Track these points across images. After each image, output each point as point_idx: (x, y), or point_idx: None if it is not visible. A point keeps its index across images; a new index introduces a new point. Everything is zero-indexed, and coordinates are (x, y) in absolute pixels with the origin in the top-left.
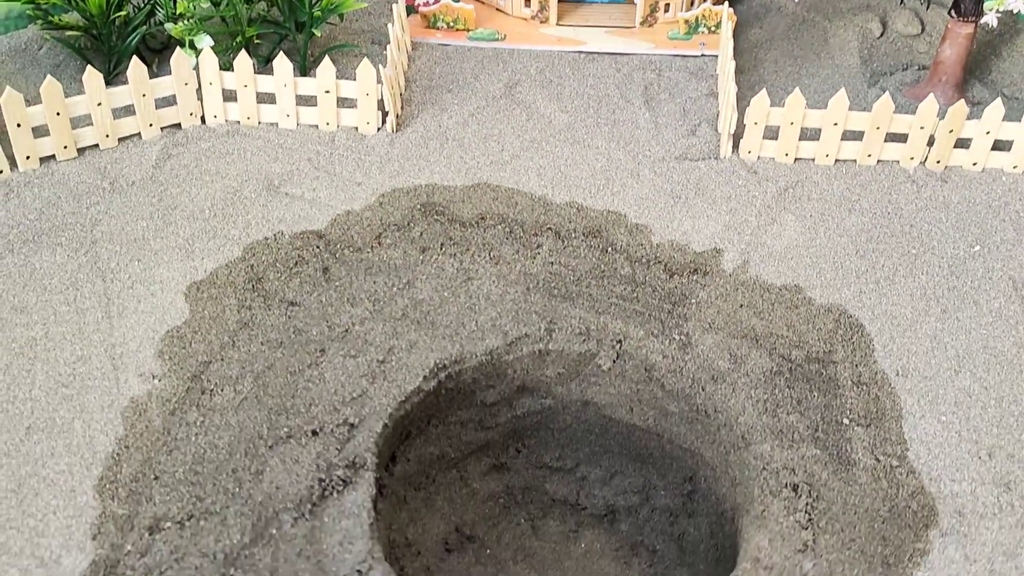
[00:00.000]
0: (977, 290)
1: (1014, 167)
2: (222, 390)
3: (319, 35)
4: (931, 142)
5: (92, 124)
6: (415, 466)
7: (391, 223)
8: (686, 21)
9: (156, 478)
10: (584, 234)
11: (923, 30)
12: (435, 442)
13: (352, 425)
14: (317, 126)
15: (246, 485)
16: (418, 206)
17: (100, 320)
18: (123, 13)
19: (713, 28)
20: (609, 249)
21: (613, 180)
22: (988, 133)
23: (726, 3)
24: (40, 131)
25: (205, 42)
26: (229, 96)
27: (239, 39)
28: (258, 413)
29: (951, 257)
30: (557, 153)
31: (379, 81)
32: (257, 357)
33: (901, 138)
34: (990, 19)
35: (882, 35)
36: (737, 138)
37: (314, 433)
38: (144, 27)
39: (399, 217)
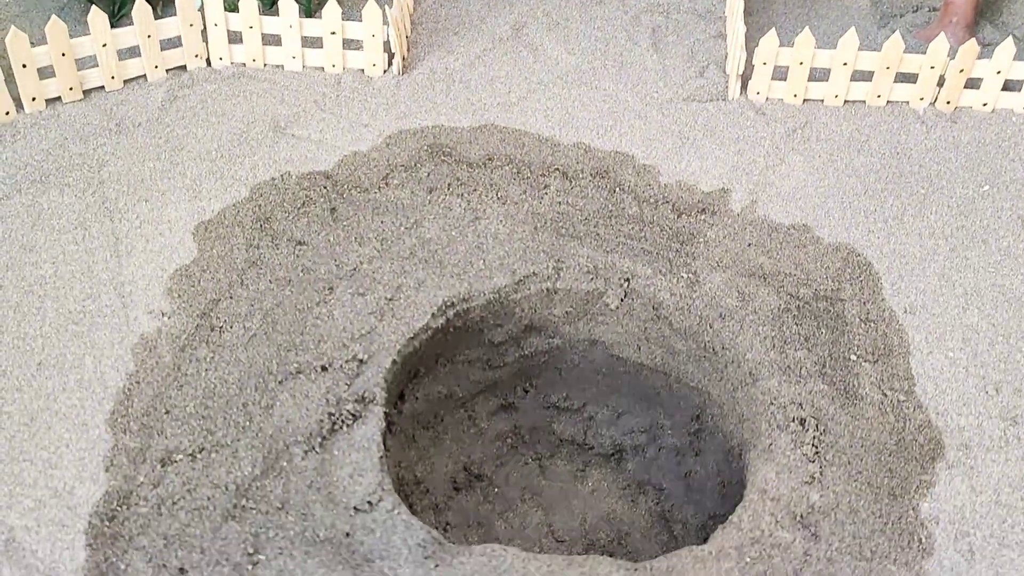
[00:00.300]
0: (986, 229)
1: None
2: (231, 327)
3: None
4: (941, 82)
5: (97, 66)
6: (423, 405)
7: (398, 164)
8: None
9: (167, 412)
10: (592, 175)
11: None
12: (443, 381)
13: (361, 361)
14: (323, 68)
15: (256, 419)
16: (425, 147)
17: (109, 259)
18: None
19: None
20: (617, 189)
21: (621, 121)
22: (999, 73)
23: None
24: (45, 72)
25: None
26: (234, 38)
27: None
28: (267, 349)
29: (960, 197)
30: (564, 95)
31: (385, 22)
32: (266, 295)
33: (911, 78)
34: None
35: None
36: (745, 79)
37: (323, 369)
38: None
39: (406, 158)
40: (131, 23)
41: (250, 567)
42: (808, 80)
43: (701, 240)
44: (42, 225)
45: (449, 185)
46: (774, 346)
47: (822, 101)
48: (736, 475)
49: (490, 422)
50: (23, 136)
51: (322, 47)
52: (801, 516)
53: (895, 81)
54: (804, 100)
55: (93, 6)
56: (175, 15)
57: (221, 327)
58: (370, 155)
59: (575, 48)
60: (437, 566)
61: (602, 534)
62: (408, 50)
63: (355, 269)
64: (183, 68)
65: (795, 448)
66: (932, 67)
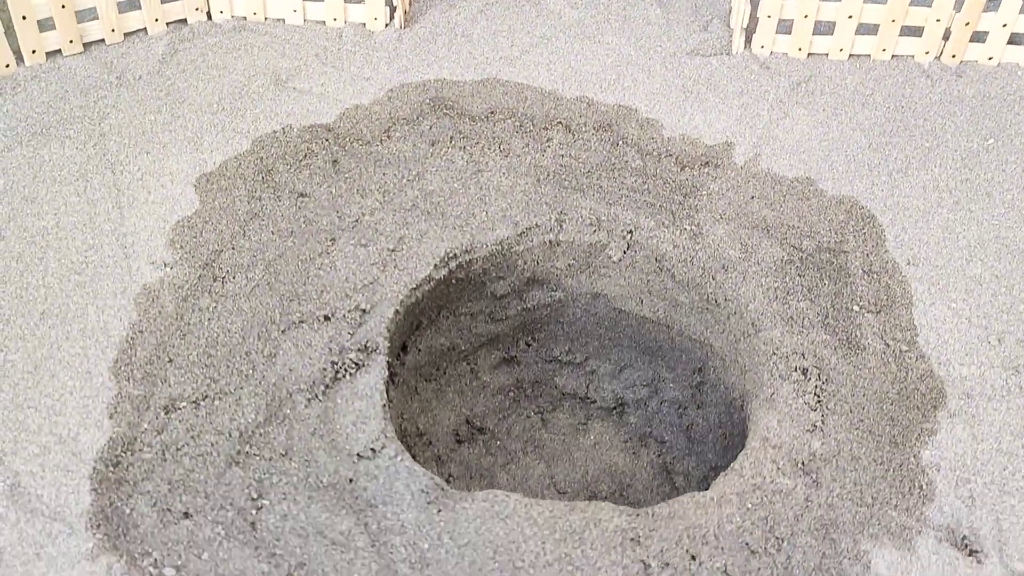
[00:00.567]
0: (990, 182)
1: None
2: (234, 277)
3: None
4: (947, 36)
5: (97, 18)
6: (426, 357)
7: (400, 117)
8: None
9: (170, 361)
10: (595, 128)
11: None
12: (446, 333)
13: (364, 311)
14: (324, 22)
15: (259, 368)
16: (427, 101)
17: (110, 210)
18: None
19: None
20: (620, 143)
21: (624, 75)
22: (1005, 26)
23: None
24: (45, 25)
25: None
26: None
27: None
28: (270, 299)
29: (964, 150)
30: (567, 49)
31: None
32: (268, 246)
33: (916, 32)
34: None
35: None
36: (750, 33)
37: (326, 318)
38: None
39: (408, 111)
40: None
41: (254, 512)
42: (813, 34)
43: (704, 193)
44: (43, 177)
45: (451, 138)
46: (777, 297)
47: (827, 55)
48: (738, 427)
49: (492, 375)
50: (23, 89)
51: (323, 0)
52: (803, 463)
53: (900, 35)
54: (809, 54)
55: None
56: None
57: (224, 277)
58: (372, 108)
59: (578, 2)
60: (440, 511)
61: (604, 486)
62: (410, 4)
63: (357, 220)
64: (183, 22)
65: (797, 397)
66: (938, 20)
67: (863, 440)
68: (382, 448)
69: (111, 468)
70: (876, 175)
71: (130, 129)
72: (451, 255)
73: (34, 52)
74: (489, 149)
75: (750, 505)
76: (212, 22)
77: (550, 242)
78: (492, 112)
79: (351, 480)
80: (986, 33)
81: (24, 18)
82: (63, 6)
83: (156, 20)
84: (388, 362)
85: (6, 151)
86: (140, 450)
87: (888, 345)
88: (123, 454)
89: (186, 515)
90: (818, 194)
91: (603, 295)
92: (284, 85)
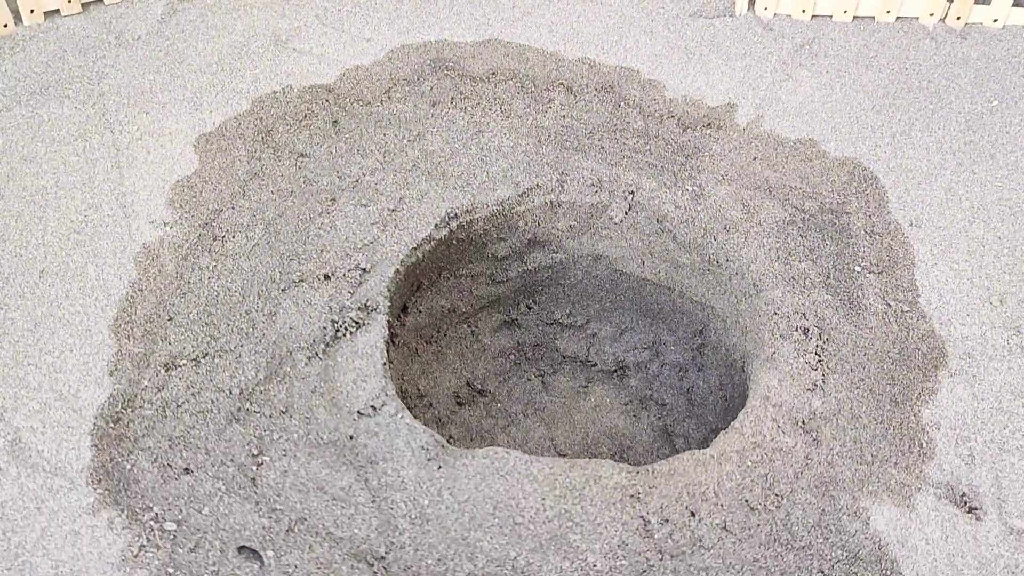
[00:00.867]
0: (994, 144)
1: None
2: (234, 236)
3: None
4: None
5: None
6: (426, 318)
7: (401, 78)
8: None
9: (170, 319)
10: (596, 89)
11: None
12: (446, 295)
13: (364, 270)
14: None
15: (259, 326)
16: (428, 61)
17: (110, 170)
18: None
19: None
20: (622, 104)
21: (626, 37)
22: None
23: None
24: None
25: None
26: None
27: None
28: (270, 258)
29: (968, 112)
30: (569, 10)
31: None
32: (268, 205)
33: None
34: None
35: None
36: None
37: (326, 277)
38: None
39: (409, 72)
40: None
41: (255, 468)
42: None
43: (706, 154)
44: (42, 136)
45: (452, 99)
46: (778, 258)
47: (831, 17)
48: (738, 389)
49: (493, 338)
50: (22, 48)
51: None
52: (803, 422)
53: None
54: (812, 16)
55: None
56: None
57: (223, 237)
58: (372, 69)
59: None
60: (440, 468)
61: (604, 448)
62: None
63: (358, 181)
64: None
65: (798, 356)
66: None
67: (863, 399)
68: (382, 406)
69: (112, 424)
70: (879, 136)
71: (129, 89)
72: (452, 215)
73: (32, 12)
74: (490, 110)
75: (750, 463)
76: None
77: (551, 203)
78: (493, 73)
79: (351, 437)
80: None
81: None
82: None
83: None
84: (388, 322)
85: (5, 111)
86: (140, 407)
87: (889, 305)
88: (123, 411)
89: (187, 471)
90: (821, 155)
91: (604, 257)
92: (284, 46)
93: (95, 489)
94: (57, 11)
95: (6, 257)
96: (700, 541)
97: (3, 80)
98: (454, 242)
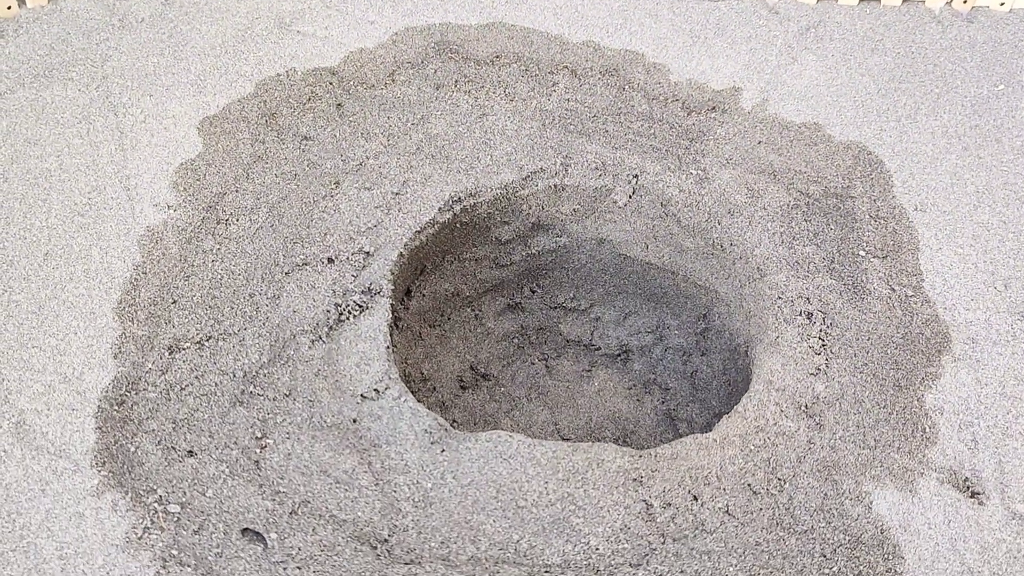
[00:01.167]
0: (1000, 128)
1: None
2: (237, 220)
3: None
4: None
5: None
6: (430, 302)
7: (405, 61)
8: None
9: (174, 302)
10: (601, 72)
11: None
12: (450, 279)
13: (368, 253)
14: None
15: (263, 309)
16: (432, 44)
17: (113, 152)
18: None
19: None
20: (626, 87)
21: (631, 20)
22: None
23: None
24: None
25: None
26: None
27: None
28: (274, 241)
29: (974, 96)
30: None
31: None
32: (272, 189)
33: None
34: None
35: None
36: None
37: (330, 261)
38: None
39: (413, 55)
40: None
41: (258, 450)
42: None
43: (711, 138)
44: (46, 119)
45: (456, 82)
46: (783, 242)
47: (836, 0)
48: (742, 374)
49: (497, 322)
50: (25, 31)
51: None
52: (806, 406)
53: None
54: None
55: None
56: None
57: (227, 220)
58: (376, 52)
59: None
60: (443, 451)
61: (607, 433)
62: None
63: (361, 164)
64: None
65: (801, 341)
66: None
67: (867, 383)
68: (386, 389)
69: (116, 407)
70: (884, 121)
71: (133, 71)
72: (455, 199)
73: None
74: (494, 93)
75: (753, 447)
76: None
77: (555, 186)
78: (498, 56)
79: (355, 420)
80: None
81: None
82: None
83: None
84: (392, 306)
85: (8, 93)
86: (144, 389)
87: (894, 290)
88: (127, 393)
89: (190, 453)
90: (826, 139)
91: (608, 241)
92: (287, 28)
93: (99, 471)
94: None
95: (10, 240)
96: (702, 525)
97: (6, 62)
98: (458, 225)
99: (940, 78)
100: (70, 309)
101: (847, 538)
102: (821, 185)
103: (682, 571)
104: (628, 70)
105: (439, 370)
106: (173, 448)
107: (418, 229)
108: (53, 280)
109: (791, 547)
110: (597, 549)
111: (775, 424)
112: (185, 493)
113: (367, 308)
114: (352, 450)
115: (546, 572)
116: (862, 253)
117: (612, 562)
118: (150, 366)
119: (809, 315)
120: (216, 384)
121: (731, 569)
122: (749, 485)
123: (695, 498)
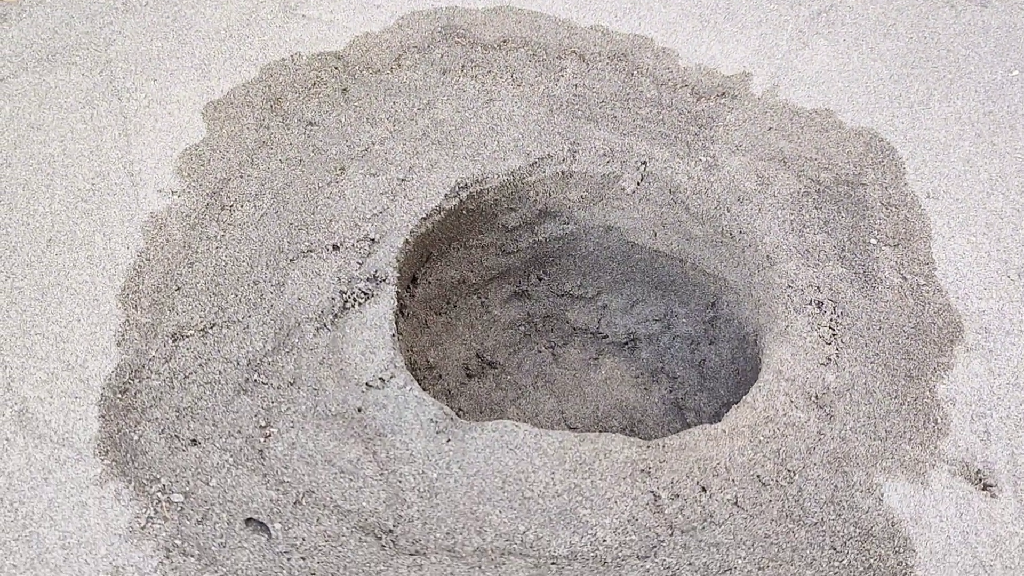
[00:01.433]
0: (1013, 115)
1: None
2: (242, 206)
3: None
4: None
5: None
6: (436, 290)
7: (411, 45)
8: None
9: (178, 289)
10: (609, 58)
11: None
12: (456, 266)
13: (373, 240)
14: None
15: (268, 296)
16: (439, 28)
17: (117, 138)
18: None
19: None
20: (635, 72)
21: (639, 4)
22: None
23: None
24: None
25: None
26: None
27: None
28: (278, 228)
29: (988, 82)
30: None
31: None
32: (276, 174)
33: None
34: None
35: None
36: None
37: (335, 247)
38: None
39: (419, 39)
40: None
41: (262, 439)
42: None
43: (720, 124)
44: (49, 104)
45: (463, 67)
46: (793, 230)
47: None
48: (751, 363)
49: (503, 309)
50: (28, 15)
51: None
52: (816, 396)
53: None
54: None
55: None
56: None
57: (231, 206)
58: (382, 36)
59: None
60: (449, 441)
61: (615, 422)
62: None
63: (367, 150)
64: None
65: (811, 330)
66: None
67: (878, 374)
68: (391, 378)
69: (119, 395)
70: (896, 107)
71: (137, 56)
72: (462, 185)
73: None
74: (501, 78)
75: (762, 438)
76: None
77: (562, 173)
78: (505, 40)
79: (360, 409)
80: None
81: None
82: None
83: None
84: (397, 293)
85: (11, 78)
86: (148, 377)
87: (905, 279)
88: (131, 381)
89: (194, 442)
90: (837, 126)
91: (616, 228)
92: (292, 12)
93: (102, 460)
94: None
95: (13, 226)
96: (711, 516)
97: (9, 47)
98: (464, 212)
99: (953, 63)
100: (73, 296)
101: (857, 531)
102: (832, 172)
103: (690, 563)
104: (637, 55)
105: (445, 358)
106: (177, 437)
107: (424, 216)
108: (56, 267)
109: (801, 539)
110: (604, 541)
111: (785, 415)
112: (189, 482)
113: (372, 295)
114: (357, 439)
115: (553, 564)
116: (873, 241)
117: (619, 554)
118: (153, 354)
119: (819, 304)
120: (220, 372)
121: (740, 561)
122: (758, 476)
123: (704, 489)
